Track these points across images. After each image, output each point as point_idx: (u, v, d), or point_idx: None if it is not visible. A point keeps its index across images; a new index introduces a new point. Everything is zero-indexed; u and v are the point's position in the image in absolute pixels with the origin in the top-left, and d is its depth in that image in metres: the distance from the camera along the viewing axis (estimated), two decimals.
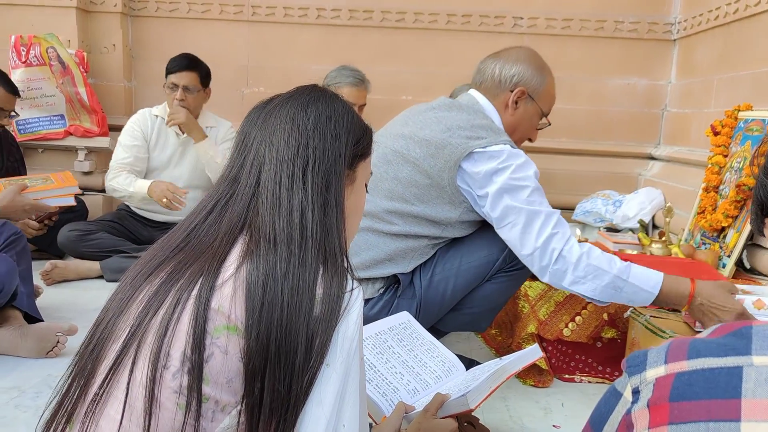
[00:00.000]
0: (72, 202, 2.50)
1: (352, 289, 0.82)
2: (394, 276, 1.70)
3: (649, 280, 1.54)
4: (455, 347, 1.93)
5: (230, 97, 3.61)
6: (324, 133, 0.90)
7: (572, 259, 1.53)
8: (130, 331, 0.80)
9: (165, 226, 3.00)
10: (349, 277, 0.84)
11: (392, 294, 1.72)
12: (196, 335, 0.76)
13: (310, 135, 0.88)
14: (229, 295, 0.78)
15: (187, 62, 2.90)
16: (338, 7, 3.53)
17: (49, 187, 2.37)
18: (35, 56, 3.22)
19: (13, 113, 2.78)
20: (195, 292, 0.79)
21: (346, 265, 0.86)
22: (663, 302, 1.57)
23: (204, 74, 2.95)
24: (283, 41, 3.60)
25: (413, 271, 1.71)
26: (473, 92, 1.76)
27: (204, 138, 2.90)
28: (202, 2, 3.56)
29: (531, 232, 1.56)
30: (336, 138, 0.91)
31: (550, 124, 1.81)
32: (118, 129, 3.21)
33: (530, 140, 1.84)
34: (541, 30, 3.48)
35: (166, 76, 2.90)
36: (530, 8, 3.48)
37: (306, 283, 0.80)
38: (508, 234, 1.59)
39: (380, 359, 1.39)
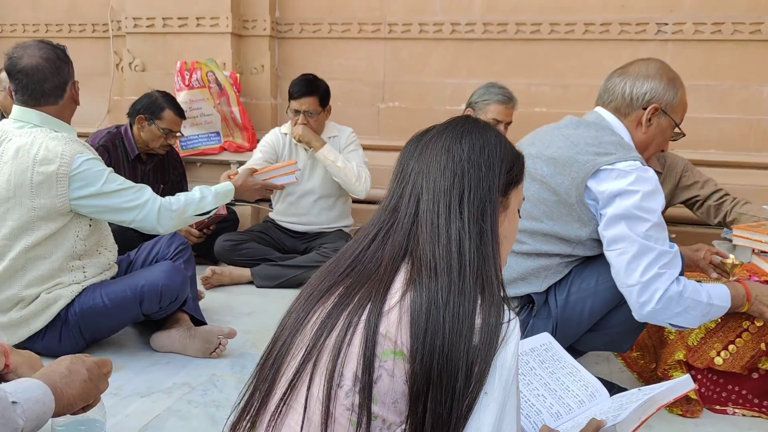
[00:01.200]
0: (293, 179, 2.72)
1: (510, 320, 0.86)
2: (528, 296, 1.70)
3: (722, 295, 1.58)
4: (594, 369, 1.89)
5: (367, 113, 3.77)
6: (478, 163, 0.94)
7: (675, 298, 1.50)
8: (306, 349, 0.89)
9: (305, 236, 3.21)
10: (506, 307, 0.88)
11: (527, 314, 1.72)
12: (366, 358, 0.83)
13: (465, 165, 0.93)
14: (395, 321, 0.84)
15: (306, 89, 3.01)
16: (472, 21, 3.57)
17: (272, 168, 2.67)
18: (197, 80, 3.55)
19: (178, 133, 3.10)
20: (364, 317, 0.86)
21: (503, 294, 0.90)
22: (732, 310, 1.62)
23: (322, 96, 3.06)
24: (418, 57, 3.70)
25: (548, 291, 1.70)
26: (600, 110, 1.72)
27: (323, 145, 3.03)
28: (342, 22, 3.75)
29: (638, 266, 1.50)
30: (490, 167, 0.95)
31: (684, 135, 1.73)
32: None
33: (662, 151, 1.78)
34: (687, 36, 3.30)
35: (289, 100, 3.07)
36: (676, 13, 3.31)
37: (466, 312, 0.84)
38: (615, 260, 1.54)
39: (522, 380, 1.41)
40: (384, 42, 3.73)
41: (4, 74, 3.15)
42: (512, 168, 0.98)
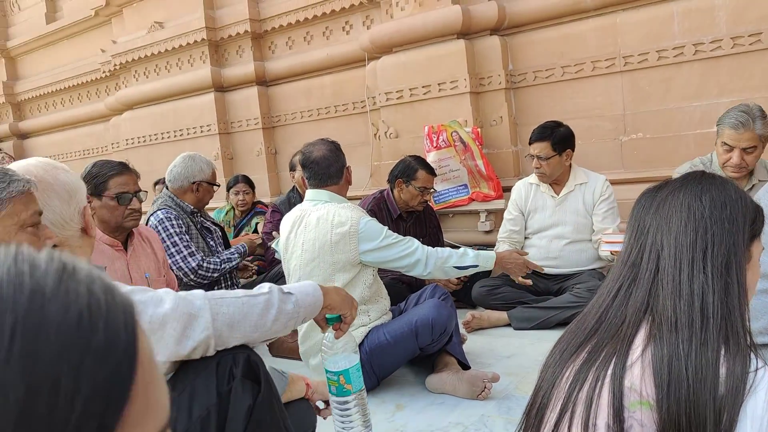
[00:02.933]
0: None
1: (757, 369, 0.89)
2: None
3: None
4: None
5: (608, 147, 3.75)
6: (720, 219, 0.97)
7: None
8: (562, 402, 1.03)
9: (558, 278, 3.29)
10: (753, 356, 0.90)
11: None
12: (615, 409, 0.94)
13: (707, 222, 0.97)
14: (639, 374, 0.94)
15: (539, 134, 3.18)
16: (718, 37, 3.36)
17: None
18: (443, 140, 3.92)
19: (432, 189, 3.47)
20: (610, 371, 0.97)
21: (749, 343, 0.93)
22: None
23: (556, 140, 3.15)
24: (659, 84, 3.58)
25: None
26: None
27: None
28: (574, 63, 3.81)
29: None
30: (732, 222, 0.98)
31: None
32: (510, 190, 3.66)
33: None
34: None
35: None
36: None
37: (708, 361, 0.89)
38: None
39: None
40: (620, 75, 3.70)
41: (296, 158, 3.86)
42: (754, 221, 1.01)
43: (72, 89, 6.95)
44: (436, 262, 2.43)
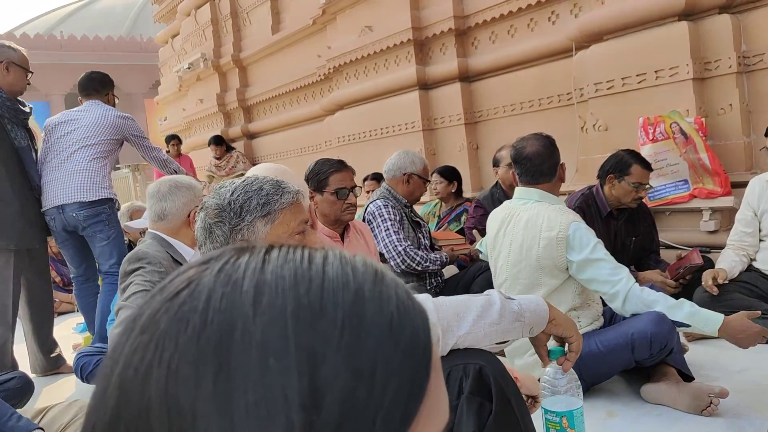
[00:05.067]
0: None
1: None
2: None
3: None
4: None
5: None
6: None
7: None
8: None
9: None
10: None
11: None
12: None
13: None
14: None
15: None
16: None
17: None
18: (660, 132, 3.63)
19: (647, 185, 3.24)
20: None
21: None
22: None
23: None
24: None
25: None
26: None
27: None
28: None
29: None
30: None
31: None
32: (740, 186, 3.28)
33: None
34: None
35: (765, 136, 2.84)
36: None
37: None
38: None
39: None
40: None
41: (502, 153, 3.87)
42: None
43: (292, 93, 7.65)
44: (636, 305, 2.21)
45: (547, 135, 2.43)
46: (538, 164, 2.37)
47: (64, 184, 3.39)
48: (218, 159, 8.09)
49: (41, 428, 1.75)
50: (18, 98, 3.39)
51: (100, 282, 3.62)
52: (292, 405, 0.34)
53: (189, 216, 2.35)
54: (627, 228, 3.36)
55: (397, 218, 3.32)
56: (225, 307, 0.36)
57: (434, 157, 5.59)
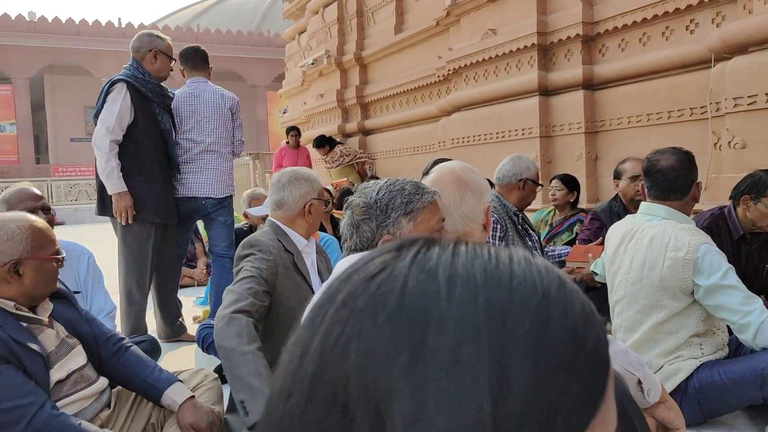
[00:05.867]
0: None
1: None
2: None
3: None
4: None
5: None
6: None
7: None
8: None
9: None
10: None
11: None
12: None
13: None
14: None
15: None
16: None
17: None
18: None
19: None
20: None
21: None
22: None
23: None
24: None
25: None
26: None
27: None
28: None
29: None
30: None
31: None
32: None
33: None
34: None
35: None
36: None
37: None
38: None
39: None
40: None
41: (626, 165, 3.73)
42: None
43: (409, 92, 7.75)
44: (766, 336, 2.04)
45: (687, 150, 2.31)
46: (672, 179, 2.26)
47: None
48: (324, 156, 8.37)
49: (181, 380, 1.91)
50: (162, 84, 3.69)
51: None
52: (482, 392, 0.36)
53: (305, 207, 2.44)
54: (760, 254, 3.12)
55: (498, 234, 3.12)
56: (420, 294, 0.39)
57: (550, 164, 5.46)
